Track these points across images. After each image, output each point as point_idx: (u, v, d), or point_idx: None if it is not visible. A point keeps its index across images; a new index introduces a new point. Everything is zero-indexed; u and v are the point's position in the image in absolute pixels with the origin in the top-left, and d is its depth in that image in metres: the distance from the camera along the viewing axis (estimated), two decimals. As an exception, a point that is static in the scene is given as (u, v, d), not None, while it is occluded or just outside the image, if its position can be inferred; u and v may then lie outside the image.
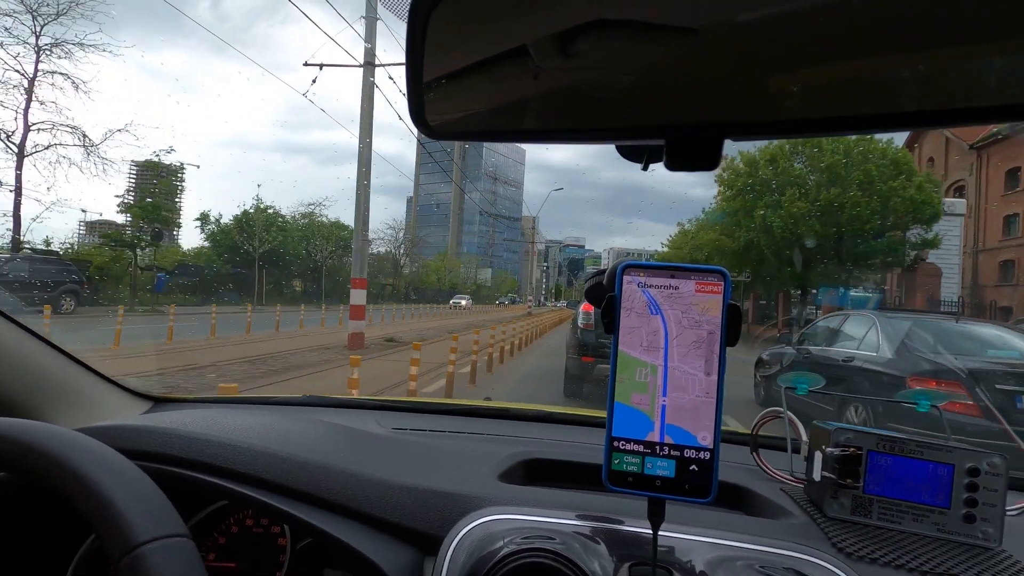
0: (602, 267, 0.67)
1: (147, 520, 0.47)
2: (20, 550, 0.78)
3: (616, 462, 0.55)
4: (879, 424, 4.17)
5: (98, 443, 0.54)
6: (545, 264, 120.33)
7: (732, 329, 0.54)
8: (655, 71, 0.42)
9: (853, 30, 0.37)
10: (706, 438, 0.54)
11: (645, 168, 0.52)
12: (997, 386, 3.96)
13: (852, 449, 0.76)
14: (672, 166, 0.46)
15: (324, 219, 36.41)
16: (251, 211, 30.89)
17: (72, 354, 1.01)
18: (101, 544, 0.47)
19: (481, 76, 0.46)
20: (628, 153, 0.52)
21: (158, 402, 1.19)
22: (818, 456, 0.79)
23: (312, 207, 36.34)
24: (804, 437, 0.88)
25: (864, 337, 5.22)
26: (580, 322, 6.36)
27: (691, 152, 0.46)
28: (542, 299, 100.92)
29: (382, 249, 54.31)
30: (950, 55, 0.36)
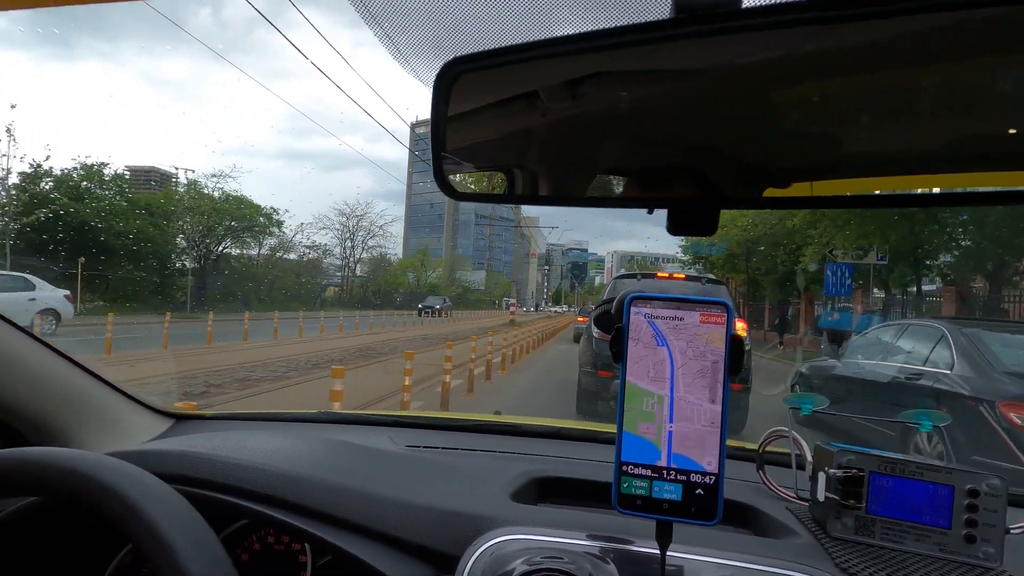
0: (603, 283, 0.74)
1: (203, 564, 0.51)
2: (52, 568, 0.80)
3: (625, 486, 0.58)
4: (961, 457, 3.67)
5: (154, 479, 0.57)
6: (546, 267, 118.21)
7: (735, 359, 0.57)
8: (661, 148, 0.46)
9: (834, 117, 0.41)
10: (711, 463, 0.57)
11: (650, 213, 0.54)
12: None
13: (854, 471, 0.78)
14: (674, 231, 0.50)
15: (214, 191, 27.35)
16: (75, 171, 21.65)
17: (94, 371, 1.04)
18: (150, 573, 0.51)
19: (496, 146, 0.52)
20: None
21: (179, 419, 1.22)
22: (822, 477, 0.81)
23: (215, 178, 28.22)
24: (809, 456, 0.89)
25: (932, 351, 4.43)
26: (596, 332, 5.62)
27: (691, 219, 0.49)
28: (542, 303, 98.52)
29: (326, 240, 46.23)
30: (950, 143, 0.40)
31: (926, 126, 0.40)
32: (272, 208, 29.67)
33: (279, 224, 29.99)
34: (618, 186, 0.51)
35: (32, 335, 0.93)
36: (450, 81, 0.50)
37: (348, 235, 41.60)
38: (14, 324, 0.90)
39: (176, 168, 27.28)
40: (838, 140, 0.42)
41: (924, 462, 0.76)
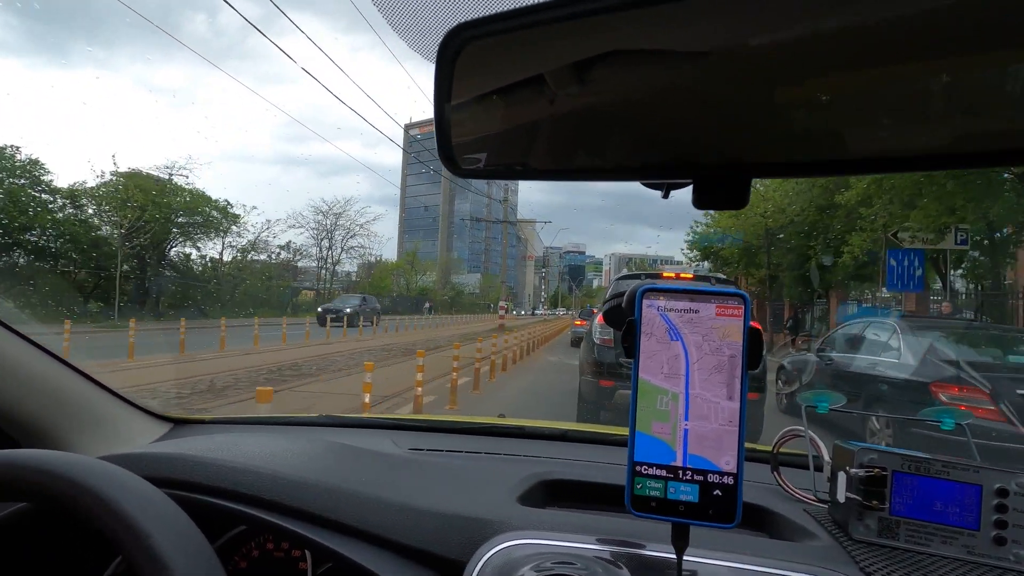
0: (621, 289, 0.65)
1: (188, 565, 0.48)
2: (47, 574, 0.78)
3: (639, 487, 0.55)
4: (902, 434, 4.20)
5: (141, 481, 0.55)
6: (543, 269, 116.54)
7: (753, 353, 0.54)
8: (684, 111, 0.42)
9: (877, 72, 0.37)
10: (729, 463, 0.54)
11: (666, 196, 0.52)
12: (1018, 391, 3.95)
13: (877, 470, 0.75)
14: (700, 204, 0.47)
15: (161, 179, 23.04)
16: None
17: (92, 376, 1.02)
18: None
19: (508, 116, 0.47)
20: (650, 183, 0.52)
21: (177, 424, 1.20)
22: (842, 477, 0.78)
23: (168, 170, 23.87)
24: (826, 456, 0.86)
25: (886, 344, 5.36)
26: (597, 337, 5.27)
27: (719, 191, 0.46)
28: (539, 306, 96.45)
29: (301, 240, 41.98)
30: (982, 93, 0.36)
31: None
32: (227, 201, 25.85)
33: (235, 219, 26.12)
34: (639, 156, 0.46)
35: (26, 337, 0.90)
36: (455, 50, 0.47)
37: (325, 234, 37.07)
38: (6, 325, 0.88)
39: (170, 174, 23.56)
40: (883, 98, 0.38)
41: (950, 460, 0.74)
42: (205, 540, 0.52)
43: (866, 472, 0.74)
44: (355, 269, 42.13)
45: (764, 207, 18.41)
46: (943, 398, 4.20)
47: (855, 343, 6.03)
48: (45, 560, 0.76)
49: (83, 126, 71.35)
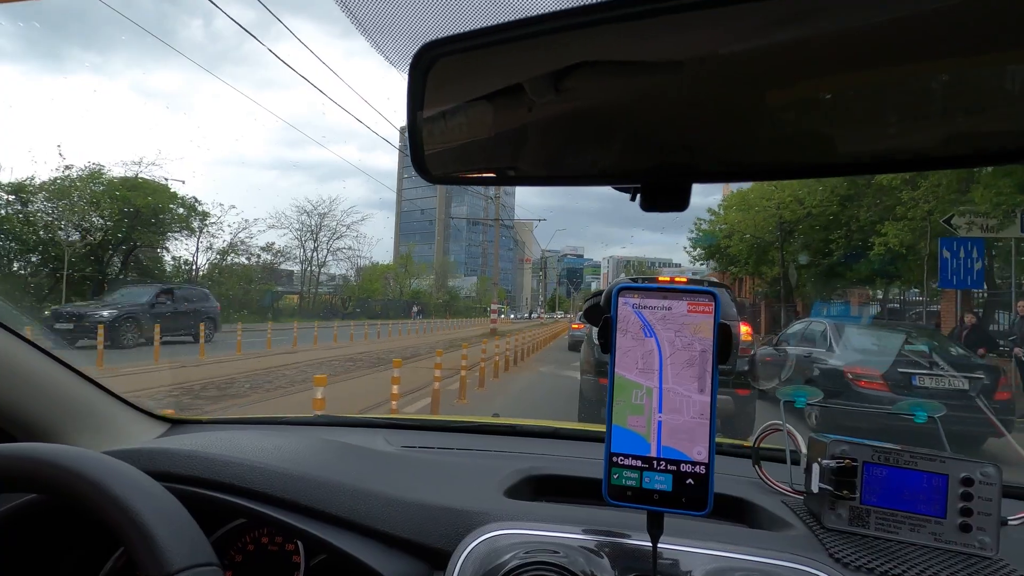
0: (600, 288, 0.75)
1: (182, 548, 0.50)
2: (47, 569, 0.79)
3: (615, 477, 0.57)
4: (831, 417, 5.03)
5: (131, 467, 0.57)
6: (541, 272, 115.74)
7: (724, 348, 0.56)
8: (631, 121, 0.45)
9: (808, 80, 0.40)
10: (701, 453, 0.56)
11: (633, 199, 0.53)
12: (899, 370, 5.52)
13: (847, 461, 0.77)
14: (647, 207, 0.50)
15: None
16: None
17: (89, 376, 1.02)
18: (138, 568, 0.49)
19: (473, 128, 0.50)
20: (618, 188, 0.54)
21: (175, 423, 1.22)
22: (815, 468, 0.80)
23: (136, 166, 21.30)
24: (803, 449, 0.89)
25: (821, 338, 6.78)
26: (597, 338, 4.82)
27: (664, 195, 0.49)
28: (536, 309, 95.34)
29: (282, 242, 39.44)
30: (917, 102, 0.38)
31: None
32: (194, 199, 23.39)
33: (204, 216, 23.77)
34: (593, 164, 0.49)
35: (26, 339, 0.91)
36: (426, 66, 0.50)
37: (309, 235, 34.50)
38: (7, 327, 0.89)
39: (166, 179, 21.69)
40: (826, 107, 0.40)
41: (918, 451, 0.76)
42: (194, 522, 0.54)
43: (837, 463, 0.77)
44: (342, 272, 40.31)
45: (780, 197, 16.76)
46: (850, 376, 5.66)
47: (800, 338, 7.38)
48: (46, 553, 0.78)
49: (84, 130, 70.11)
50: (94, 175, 19.75)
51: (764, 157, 0.43)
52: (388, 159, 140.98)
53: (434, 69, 0.49)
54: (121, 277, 20.53)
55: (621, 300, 0.57)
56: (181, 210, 22.66)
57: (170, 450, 0.81)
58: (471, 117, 0.50)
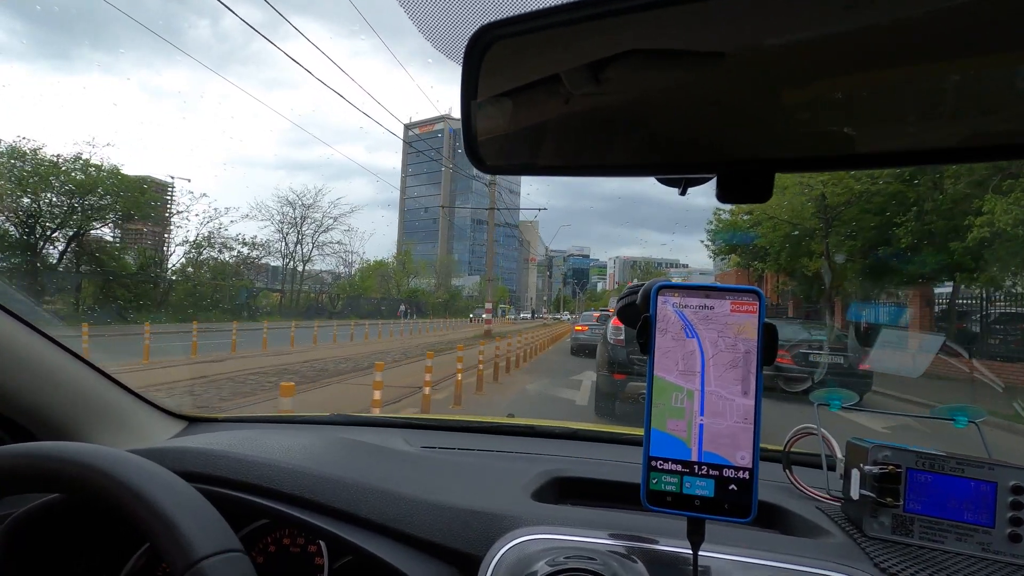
0: (635, 284, 0.66)
1: (206, 537, 0.50)
2: (70, 567, 0.78)
3: (654, 481, 0.55)
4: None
5: (157, 466, 0.57)
6: (547, 272, 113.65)
7: (768, 349, 0.54)
8: (707, 107, 0.43)
9: (899, 67, 0.38)
10: (744, 458, 0.54)
11: (683, 193, 0.52)
12: (800, 351, 7.51)
13: (891, 467, 0.75)
14: (723, 198, 0.47)
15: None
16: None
17: (108, 373, 1.02)
18: (164, 560, 0.50)
19: (533, 113, 0.47)
20: (667, 180, 0.52)
21: (192, 421, 1.22)
22: (855, 474, 0.77)
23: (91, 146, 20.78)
24: (839, 454, 0.86)
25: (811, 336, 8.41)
26: (611, 338, 6.01)
27: (742, 186, 0.47)
28: (541, 310, 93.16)
29: (262, 234, 38.60)
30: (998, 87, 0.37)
31: None
32: (147, 177, 21.52)
33: (154, 198, 21.64)
34: (662, 152, 0.46)
35: (48, 336, 0.91)
36: (482, 49, 0.48)
37: (292, 227, 32.08)
38: (31, 325, 0.89)
39: (172, 177, 19.75)
40: (914, 88, 0.38)
41: (965, 457, 0.73)
42: (231, 529, 0.53)
43: (880, 469, 0.75)
44: (330, 268, 37.93)
45: (817, 179, 14.04)
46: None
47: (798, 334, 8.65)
48: (63, 556, 0.77)
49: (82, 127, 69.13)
50: (14, 151, 17.30)
51: (850, 147, 0.41)
52: (394, 159, 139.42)
53: (490, 53, 0.47)
54: (60, 269, 18.17)
55: (661, 299, 0.55)
56: (129, 193, 19.87)
57: (198, 450, 0.81)
58: (529, 103, 0.47)
